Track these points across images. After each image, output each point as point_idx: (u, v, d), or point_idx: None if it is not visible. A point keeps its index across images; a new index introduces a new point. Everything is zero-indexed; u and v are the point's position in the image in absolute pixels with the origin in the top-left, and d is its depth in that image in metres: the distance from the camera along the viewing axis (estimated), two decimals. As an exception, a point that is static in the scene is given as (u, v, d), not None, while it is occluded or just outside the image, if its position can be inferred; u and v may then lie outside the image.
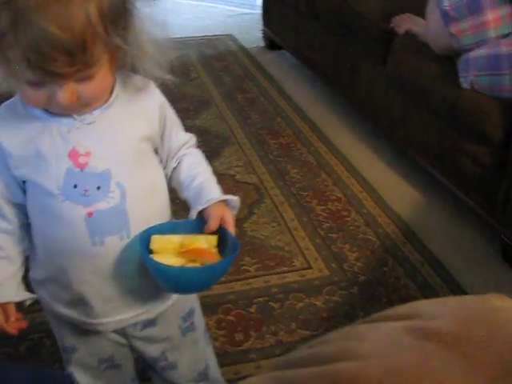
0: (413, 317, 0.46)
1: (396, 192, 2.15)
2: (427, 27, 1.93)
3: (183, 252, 0.87)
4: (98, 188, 0.85)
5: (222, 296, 1.67)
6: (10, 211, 0.89)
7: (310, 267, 1.78)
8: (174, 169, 0.99)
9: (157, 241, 0.88)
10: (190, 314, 1.09)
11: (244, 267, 1.78)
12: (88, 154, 0.85)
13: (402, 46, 2.12)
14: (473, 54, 1.72)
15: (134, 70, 0.89)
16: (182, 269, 0.87)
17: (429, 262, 1.78)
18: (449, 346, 0.42)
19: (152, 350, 1.07)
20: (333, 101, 2.90)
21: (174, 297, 1.03)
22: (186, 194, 0.97)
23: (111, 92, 0.88)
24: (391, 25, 2.22)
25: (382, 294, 1.66)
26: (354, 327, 0.51)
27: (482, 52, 1.70)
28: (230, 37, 4.09)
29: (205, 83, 3.24)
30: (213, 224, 0.89)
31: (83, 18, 0.72)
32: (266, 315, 1.60)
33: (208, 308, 1.62)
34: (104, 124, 0.87)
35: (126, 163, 0.88)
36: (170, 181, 1.01)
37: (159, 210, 0.96)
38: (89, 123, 0.86)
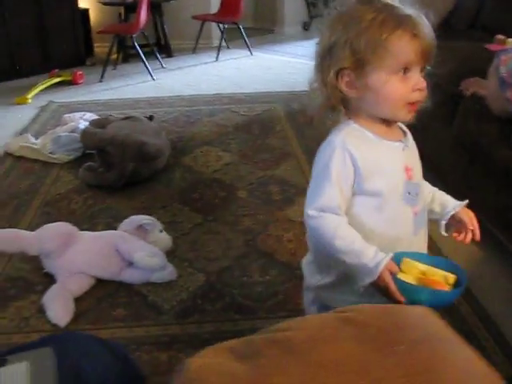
0: (346, 311, 0.64)
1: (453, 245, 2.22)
2: (487, 91, 2.06)
3: (422, 278, 1.08)
4: (416, 194, 1.15)
5: (278, 330, 1.81)
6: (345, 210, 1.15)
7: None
8: None
9: (406, 263, 1.10)
10: None
11: (302, 306, 1.93)
12: (411, 169, 1.15)
13: (467, 108, 2.24)
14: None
15: None
16: (412, 286, 1.06)
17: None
18: (358, 327, 0.58)
19: None
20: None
21: None
22: (431, 207, 1.27)
23: (399, 129, 1.19)
24: (460, 87, 2.35)
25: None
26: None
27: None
28: (318, 93, 4.30)
29: (288, 136, 3.46)
30: (466, 221, 1.20)
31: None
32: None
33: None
34: (413, 148, 1.19)
35: (421, 177, 1.21)
36: None
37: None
38: (408, 146, 1.17)
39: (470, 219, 1.21)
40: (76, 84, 4.76)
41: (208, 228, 2.44)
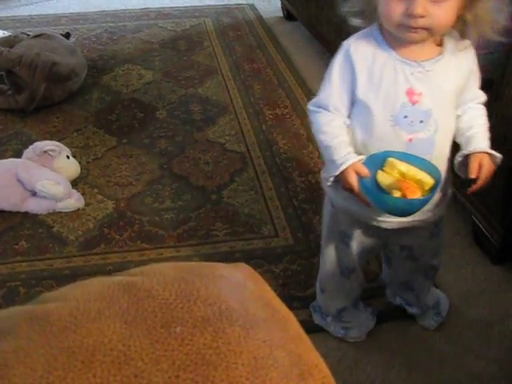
0: (137, 274, 0.53)
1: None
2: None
3: (398, 181, 1.06)
4: (421, 122, 1.08)
5: (187, 258, 1.74)
6: (345, 113, 1.14)
7: (276, 236, 1.83)
8: (459, 117, 1.16)
9: (390, 163, 1.08)
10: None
11: (214, 232, 1.85)
12: (420, 94, 1.07)
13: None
14: None
15: (463, 33, 1.07)
16: (383, 195, 1.06)
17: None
18: (137, 298, 0.47)
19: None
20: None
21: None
22: (459, 140, 1.16)
23: (441, 48, 1.08)
24: None
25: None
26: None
27: None
28: (251, 6, 4.10)
29: (215, 52, 3.28)
30: (472, 167, 1.08)
31: None
32: (225, 279, 1.66)
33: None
34: (435, 73, 1.07)
35: (443, 107, 1.10)
36: None
37: (449, 148, 1.16)
38: (427, 70, 1.07)
39: (477, 168, 1.09)
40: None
41: (122, 151, 2.31)
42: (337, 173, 1.09)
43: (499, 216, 1.66)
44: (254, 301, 0.53)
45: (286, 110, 2.60)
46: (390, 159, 1.08)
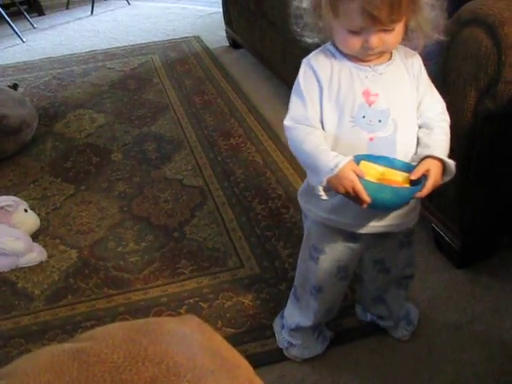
0: (84, 339, 0.53)
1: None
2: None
3: (382, 179, 1.09)
4: (380, 121, 1.12)
5: (155, 299, 1.73)
6: (319, 124, 1.16)
7: (242, 266, 1.84)
8: (419, 127, 1.20)
9: (364, 166, 1.10)
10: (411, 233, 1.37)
11: (180, 270, 1.85)
12: (376, 95, 1.12)
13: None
14: None
15: (409, 37, 1.13)
16: (375, 184, 1.08)
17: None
18: (87, 364, 0.47)
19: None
20: (286, 97, 2.94)
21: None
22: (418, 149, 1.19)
23: (391, 54, 1.15)
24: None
25: (309, 288, 1.71)
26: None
27: None
28: (197, 38, 4.14)
29: (165, 88, 3.30)
30: (416, 171, 1.11)
31: None
32: (195, 315, 1.66)
33: (141, 311, 1.69)
34: (388, 76, 1.14)
35: (400, 106, 1.14)
36: None
37: (413, 146, 1.19)
38: (380, 74, 1.13)
39: (421, 172, 1.11)
40: None
41: (81, 198, 2.30)
42: (333, 173, 1.08)
43: (456, 221, 1.70)
44: (201, 353, 0.54)
45: (240, 139, 2.63)
46: (363, 162, 1.11)
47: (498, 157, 1.57)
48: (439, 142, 1.16)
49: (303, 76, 1.17)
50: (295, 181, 2.26)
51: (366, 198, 1.07)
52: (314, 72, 1.15)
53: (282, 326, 1.54)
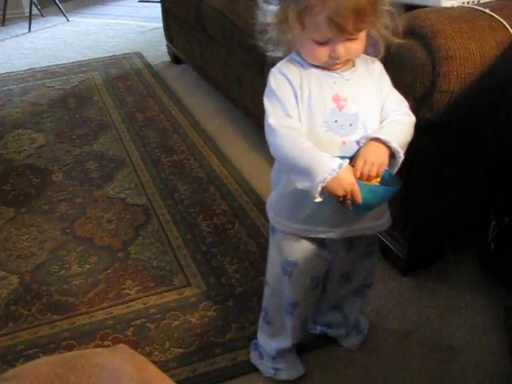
0: (10, 378, 0.51)
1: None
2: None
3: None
4: (350, 125, 1.15)
5: (100, 322, 1.70)
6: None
7: (189, 284, 1.82)
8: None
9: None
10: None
11: (125, 291, 1.82)
12: (345, 99, 1.15)
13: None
14: None
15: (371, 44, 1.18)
16: (379, 187, 1.13)
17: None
18: None
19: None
20: (228, 111, 2.95)
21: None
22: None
23: (353, 62, 1.18)
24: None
25: (257, 304, 1.69)
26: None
27: None
28: (138, 54, 4.12)
29: (107, 106, 3.26)
30: (357, 161, 1.13)
31: None
32: (141, 337, 1.64)
33: (86, 336, 1.66)
34: (354, 81, 1.17)
35: (368, 110, 1.17)
36: None
37: None
38: (347, 79, 1.17)
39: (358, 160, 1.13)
40: None
41: (21, 221, 2.24)
42: (336, 174, 1.07)
43: (401, 229, 1.73)
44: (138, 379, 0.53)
45: (184, 155, 2.62)
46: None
47: (436, 164, 1.61)
48: (386, 127, 1.17)
49: (275, 82, 1.17)
50: (240, 196, 2.26)
51: (360, 199, 1.10)
52: (287, 78, 1.16)
53: (261, 356, 1.52)
